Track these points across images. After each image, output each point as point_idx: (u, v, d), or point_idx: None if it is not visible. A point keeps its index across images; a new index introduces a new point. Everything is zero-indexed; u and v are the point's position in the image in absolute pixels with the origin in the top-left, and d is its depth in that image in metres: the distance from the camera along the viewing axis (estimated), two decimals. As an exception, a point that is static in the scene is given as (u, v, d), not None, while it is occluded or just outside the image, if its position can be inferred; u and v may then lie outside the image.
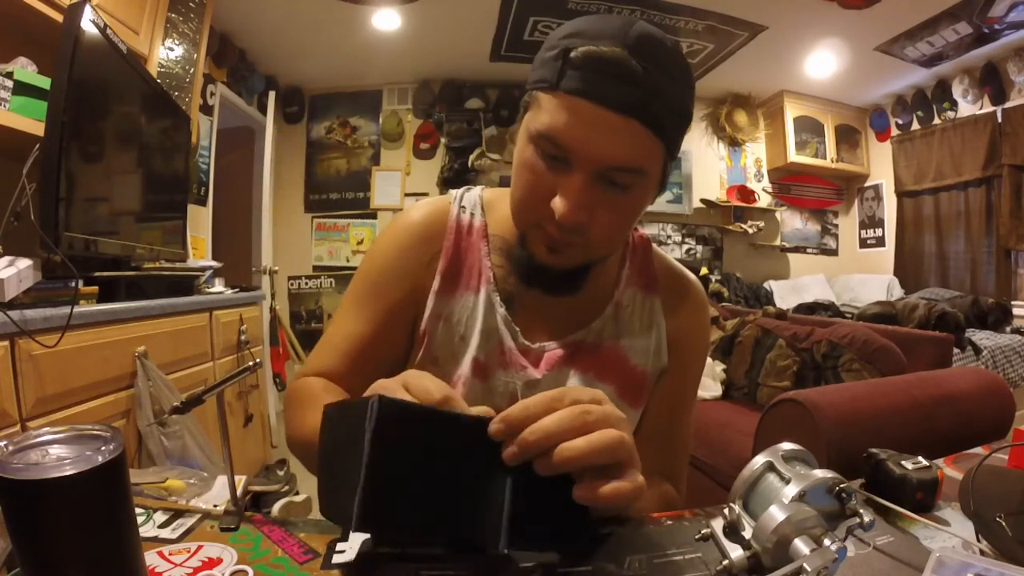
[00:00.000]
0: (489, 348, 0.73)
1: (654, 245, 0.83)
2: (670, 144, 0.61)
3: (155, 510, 0.62)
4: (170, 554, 0.52)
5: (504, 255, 0.75)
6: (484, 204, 0.79)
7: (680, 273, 0.82)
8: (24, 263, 1.27)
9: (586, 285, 0.71)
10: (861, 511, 0.43)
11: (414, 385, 0.46)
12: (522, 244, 0.68)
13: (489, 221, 0.77)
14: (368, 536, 0.52)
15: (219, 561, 0.51)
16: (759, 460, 0.47)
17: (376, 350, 0.74)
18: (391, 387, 0.47)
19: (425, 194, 4.83)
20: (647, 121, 0.57)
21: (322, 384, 0.72)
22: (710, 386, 2.66)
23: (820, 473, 0.44)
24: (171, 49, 2.57)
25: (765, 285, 5.15)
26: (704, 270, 5.11)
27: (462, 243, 0.76)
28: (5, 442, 0.38)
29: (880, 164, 5.30)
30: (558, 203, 0.59)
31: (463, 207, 0.78)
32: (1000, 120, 4.16)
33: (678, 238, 5.26)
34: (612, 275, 0.78)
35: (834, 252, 5.66)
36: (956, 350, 2.89)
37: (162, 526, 0.59)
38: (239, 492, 0.65)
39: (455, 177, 4.75)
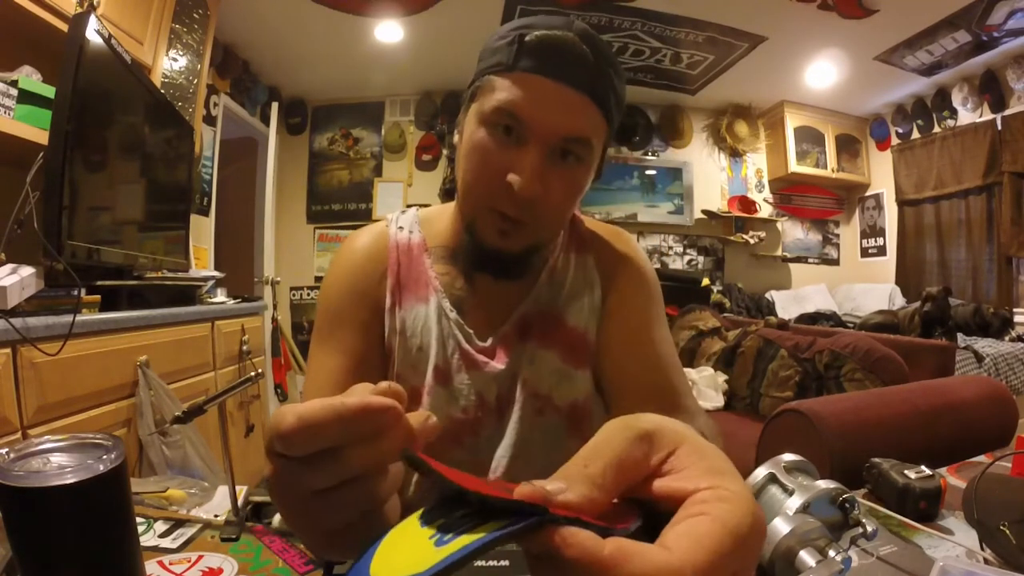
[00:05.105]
0: (446, 353, 0.74)
1: (581, 214, 0.84)
2: (612, 126, 0.67)
3: (156, 519, 0.62)
4: (170, 563, 0.52)
5: (448, 260, 0.77)
6: (420, 221, 0.82)
7: (609, 227, 0.84)
8: (27, 271, 1.27)
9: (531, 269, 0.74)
10: (864, 521, 0.43)
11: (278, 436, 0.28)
12: (470, 232, 0.70)
13: (427, 236, 0.80)
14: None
15: (219, 571, 0.51)
16: (761, 472, 0.47)
17: (359, 379, 0.67)
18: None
19: (427, 205, 4.84)
20: (597, 99, 0.63)
21: None
22: (712, 396, 2.65)
23: (823, 484, 0.44)
24: (175, 59, 2.59)
25: (767, 295, 5.15)
26: (706, 280, 5.10)
27: (403, 259, 0.78)
28: (7, 450, 0.38)
29: (881, 173, 5.31)
30: (515, 177, 0.61)
31: (400, 227, 0.80)
32: (1000, 127, 4.16)
33: (679, 249, 5.26)
34: (551, 248, 0.79)
35: (835, 262, 5.65)
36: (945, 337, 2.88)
37: (163, 535, 0.59)
38: (240, 502, 0.65)
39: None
